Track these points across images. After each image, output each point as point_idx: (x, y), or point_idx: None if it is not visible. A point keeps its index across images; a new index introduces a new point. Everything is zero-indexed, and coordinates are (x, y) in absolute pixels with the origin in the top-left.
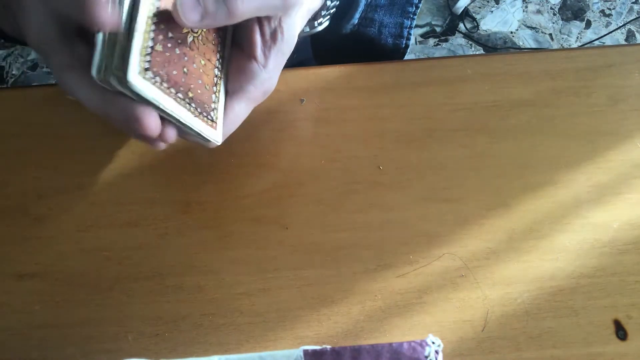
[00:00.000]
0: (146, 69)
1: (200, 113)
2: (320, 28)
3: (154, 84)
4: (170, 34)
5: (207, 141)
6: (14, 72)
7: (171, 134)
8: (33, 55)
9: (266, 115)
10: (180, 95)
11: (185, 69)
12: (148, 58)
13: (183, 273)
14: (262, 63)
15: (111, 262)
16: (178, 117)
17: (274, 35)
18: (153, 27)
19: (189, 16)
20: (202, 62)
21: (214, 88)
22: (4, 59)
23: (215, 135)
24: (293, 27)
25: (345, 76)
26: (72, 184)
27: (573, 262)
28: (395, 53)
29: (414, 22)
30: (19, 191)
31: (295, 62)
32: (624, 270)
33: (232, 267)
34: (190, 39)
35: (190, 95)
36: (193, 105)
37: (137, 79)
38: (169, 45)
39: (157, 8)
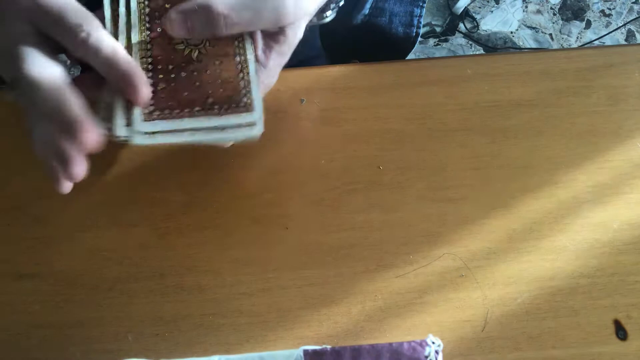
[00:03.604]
0: (151, 112)
1: (228, 108)
2: (327, 19)
3: (162, 118)
4: (170, 66)
5: (249, 128)
6: None
7: None
8: None
9: (266, 115)
10: (197, 107)
11: (197, 83)
12: (152, 101)
13: (183, 273)
14: (262, 63)
15: (111, 262)
16: (203, 126)
17: (276, 37)
18: (150, 72)
19: (177, 32)
20: (217, 62)
21: (240, 75)
22: None
23: (254, 116)
24: (297, 31)
25: (345, 76)
26: (72, 184)
27: (573, 262)
28: (406, 42)
29: (424, 11)
30: (19, 191)
31: (303, 57)
32: (624, 270)
33: (232, 267)
34: (195, 54)
35: (210, 100)
36: (216, 106)
37: (143, 125)
38: (172, 75)
39: (148, 48)
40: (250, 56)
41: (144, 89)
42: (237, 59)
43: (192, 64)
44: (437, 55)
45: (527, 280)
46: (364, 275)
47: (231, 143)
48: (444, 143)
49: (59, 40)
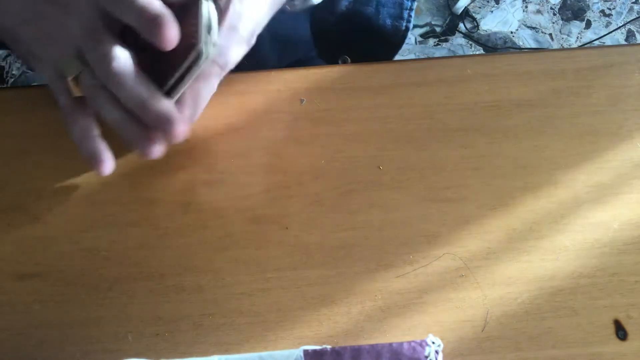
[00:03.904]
0: None
1: (185, 62)
2: (315, 1)
3: None
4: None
5: (203, 58)
6: (14, 72)
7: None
8: None
9: (266, 115)
10: (170, 81)
11: (166, 60)
12: None
13: (183, 273)
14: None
15: (111, 262)
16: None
17: (224, 10)
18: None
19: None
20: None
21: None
22: (4, 59)
23: (198, 50)
24: (244, 2)
25: (345, 76)
26: (72, 184)
27: (573, 262)
28: (395, 36)
29: (415, 4)
30: (19, 191)
31: (303, 56)
32: (624, 270)
33: (232, 267)
34: None
35: (175, 68)
36: (178, 69)
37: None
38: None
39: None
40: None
41: (172, 31)
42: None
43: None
44: (437, 55)
45: (527, 280)
46: (364, 275)
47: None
48: (444, 143)
49: (120, 15)
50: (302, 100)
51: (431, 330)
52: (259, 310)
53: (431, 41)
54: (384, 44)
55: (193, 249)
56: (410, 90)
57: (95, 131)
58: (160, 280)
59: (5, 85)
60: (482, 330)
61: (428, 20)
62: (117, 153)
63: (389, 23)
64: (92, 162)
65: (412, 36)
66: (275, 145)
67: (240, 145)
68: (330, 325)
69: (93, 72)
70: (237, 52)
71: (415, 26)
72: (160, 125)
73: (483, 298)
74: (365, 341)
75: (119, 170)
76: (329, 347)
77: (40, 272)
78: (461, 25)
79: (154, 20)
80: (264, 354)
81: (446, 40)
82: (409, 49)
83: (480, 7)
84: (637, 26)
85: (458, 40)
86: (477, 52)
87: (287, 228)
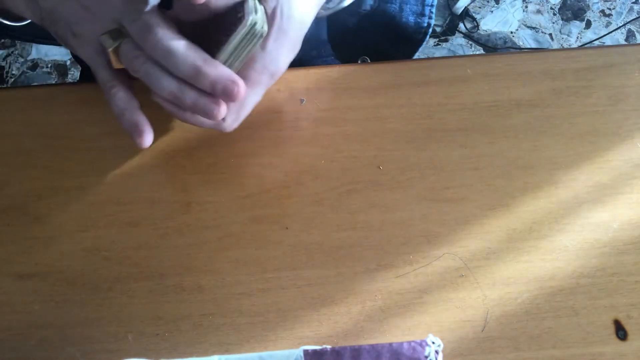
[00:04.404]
0: None
1: (229, 31)
2: (345, 3)
3: None
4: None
5: (254, 32)
6: (14, 72)
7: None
8: (33, 55)
9: (266, 115)
10: (214, 50)
11: (211, 33)
12: None
13: (183, 273)
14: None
15: (111, 262)
16: (225, 59)
17: (272, 15)
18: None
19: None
20: None
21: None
22: (4, 59)
23: (249, 21)
24: (293, 5)
25: (345, 76)
26: (72, 184)
27: (573, 262)
28: (417, 33)
29: (435, 1)
30: (19, 191)
31: (310, 56)
32: (624, 270)
33: (232, 267)
34: None
35: (218, 37)
36: (223, 37)
37: None
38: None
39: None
40: None
41: (241, 90)
42: None
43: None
44: (437, 55)
45: (527, 280)
46: (364, 275)
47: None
48: (444, 143)
49: None
50: (302, 100)
51: (431, 330)
52: (259, 310)
53: (431, 41)
54: (405, 41)
55: (193, 249)
56: (410, 90)
57: (136, 103)
58: (160, 280)
59: (5, 85)
60: (482, 330)
61: None
62: (117, 153)
63: (412, 20)
64: (133, 133)
65: (434, 15)
66: (275, 145)
67: (241, 145)
68: (330, 325)
69: (134, 42)
70: (287, 59)
71: None
72: (220, 88)
73: (483, 298)
74: (365, 341)
75: (119, 170)
76: (329, 347)
77: (40, 272)
78: (461, 25)
79: (227, 86)
80: (264, 354)
81: (446, 40)
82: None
83: (480, 7)
84: (637, 26)
85: (458, 40)
86: (477, 52)
87: (287, 228)
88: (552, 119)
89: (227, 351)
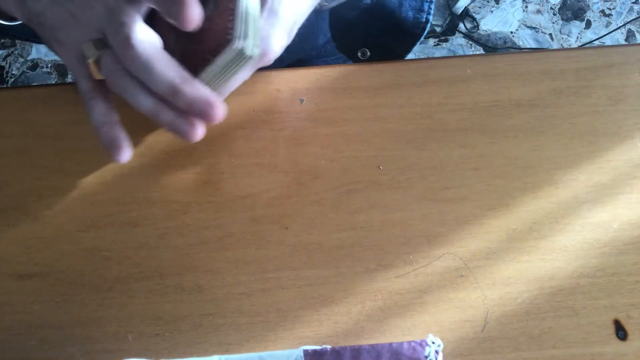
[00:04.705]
0: None
1: (216, 53)
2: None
3: None
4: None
5: (243, 57)
6: (14, 72)
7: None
8: (33, 55)
9: (266, 115)
10: (198, 65)
11: (196, 44)
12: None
13: (183, 273)
14: None
15: (111, 262)
16: (207, 79)
17: None
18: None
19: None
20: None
21: (229, 16)
22: (4, 59)
23: (237, 45)
24: None
25: (345, 76)
26: (72, 184)
27: (573, 262)
28: (416, 28)
29: None
30: (19, 191)
31: (314, 49)
32: (624, 270)
33: (232, 267)
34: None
35: (206, 55)
36: (208, 56)
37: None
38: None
39: None
40: None
41: (218, 111)
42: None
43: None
44: (437, 55)
45: (527, 280)
46: (364, 275)
47: (244, 77)
48: (444, 143)
49: None
50: (302, 100)
51: (431, 330)
52: (259, 310)
53: (431, 41)
54: (404, 36)
55: (193, 249)
56: (410, 90)
57: (115, 117)
58: (160, 280)
59: (5, 85)
60: (482, 330)
61: None
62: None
63: (411, 15)
64: (110, 148)
65: (432, 11)
66: (275, 145)
67: (241, 145)
68: (330, 325)
69: (115, 55)
70: (280, 41)
71: None
72: (197, 110)
73: (483, 298)
74: (365, 341)
75: (119, 170)
76: (329, 347)
77: (40, 272)
78: (461, 25)
79: (203, 108)
80: (264, 354)
81: (446, 40)
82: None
83: (480, 7)
84: (637, 26)
85: (458, 40)
86: (477, 52)
87: (287, 228)
88: (552, 119)
89: (227, 351)
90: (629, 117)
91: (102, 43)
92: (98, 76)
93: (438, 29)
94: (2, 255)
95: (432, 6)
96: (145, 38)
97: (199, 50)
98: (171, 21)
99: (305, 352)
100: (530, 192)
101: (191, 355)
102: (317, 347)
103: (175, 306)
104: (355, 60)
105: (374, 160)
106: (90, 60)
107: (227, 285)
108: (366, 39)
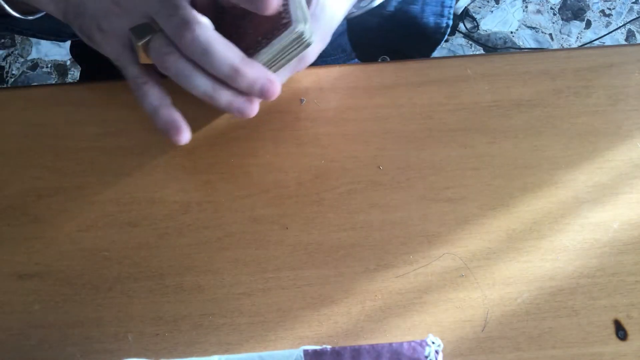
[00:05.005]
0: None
1: (271, 36)
2: (376, 3)
3: None
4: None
5: (300, 40)
6: (14, 72)
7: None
8: (33, 55)
9: (266, 115)
10: (250, 50)
11: (248, 30)
12: None
13: (183, 273)
14: None
15: (111, 262)
16: (263, 61)
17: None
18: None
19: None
20: None
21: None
22: (4, 59)
23: (296, 29)
24: None
25: (345, 76)
26: (72, 184)
27: (573, 262)
28: (436, 34)
29: (454, 2)
30: (19, 191)
31: (333, 59)
32: (624, 270)
33: (232, 267)
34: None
35: (259, 38)
36: (264, 40)
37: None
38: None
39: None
40: None
41: (276, 89)
42: None
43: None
44: (437, 55)
45: (527, 280)
46: (364, 275)
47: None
48: (444, 143)
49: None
50: (302, 100)
51: (431, 330)
52: (259, 310)
53: None
54: (424, 41)
55: (193, 249)
56: (410, 90)
57: (169, 99)
58: (160, 280)
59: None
60: (482, 330)
61: None
62: (117, 153)
63: (432, 21)
64: (170, 131)
65: (452, 16)
66: (275, 145)
67: (241, 145)
68: (330, 325)
69: (166, 38)
70: (317, 46)
71: None
72: (258, 88)
73: (483, 298)
74: (365, 341)
75: (119, 170)
76: (329, 347)
77: (40, 272)
78: (461, 25)
79: (263, 86)
80: (264, 354)
81: (446, 40)
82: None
83: (480, 7)
84: (637, 26)
85: (458, 40)
86: (477, 52)
87: (287, 228)
88: (552, 119)
89: (227, 351)
90: (629, 117)
91: (148, 27)
92: (146, 60)
93: None
94: (2, 255)
95: (452, 11)
96: (200, 20)
97: (251, 34)
98: (245, 5)
99: (305, 352)
100: (530, 192)
101: (191, 355)
102: (317, 347)
103: (175, 306)
104: None
105: (374, 160)
106: (139, 44)
107: (227, 285)
108: (385, 46)
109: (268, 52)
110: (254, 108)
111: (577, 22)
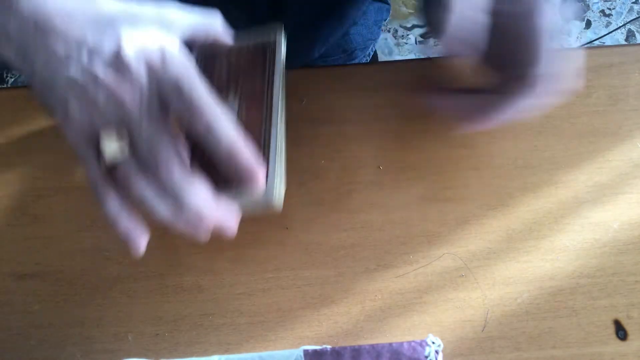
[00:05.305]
0: None
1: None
2: None
3: None
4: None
5: (264, 203)
6: (14, 72)
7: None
8: None
9: None
10: (216, 187)
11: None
12: None
13: (183, 273)
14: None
15: (111, 262)
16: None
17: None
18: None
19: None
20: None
21: (261, 151)
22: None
23: (265, 196)
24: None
25: (345, 76)
26: (72, 184)
27: (573, 262)
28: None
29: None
30: (19, 191)
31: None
32: (624, 270)
33: (232, 267)
34: None
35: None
36: (233, 186)
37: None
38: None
39: None
40: (274, 129)
41: (261, 179)
42: (262, 130)
43: None
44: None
45: (527, 280)
46: (364, 275)
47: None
48: (444, 143)
49: (178, 110)
50: (302, 100)
51: (431, 330)
52: (259, 310)
53: (431, 41)
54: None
55: (193, 249)
56: (410, 90)
57: (129, 204)
58: (160, 280)
59: (5, 85)
60: (482, 330)
61: None
62: None
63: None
64: (129, 242)
65: (412, 36)
66: None
67: None
68: (330, 325)
69: (137, 162)
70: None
71: (415, 26)
72: (215, 226)
73: (483, 298)
74: (365, 341)
75: None
76: (329, 347)
77: (40, 272)
78: None
79: (248, 172)
80: (264, 354)
81: None
82: (409, 49)
83: None
84: (637, 26)
85: None
86: None
87: (287, 228)
88: (552, 119)
89: (227, 351)
90: (629, 117)
91: (121, 135)
92: (109, 163)
93: None
94: (2, 255)
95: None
96: (178, 162)
97: (219, 174)
98: (230, 172)
99: (305, 352)
100: (530, 192)
101: (191, 355)
102: (317, 347)
103: (175, 306)
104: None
105: (374, 160)
106: (109, 156)
107: (227, 285)
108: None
109: (234, 201)
110: (207, 235)
111: (577, 22)
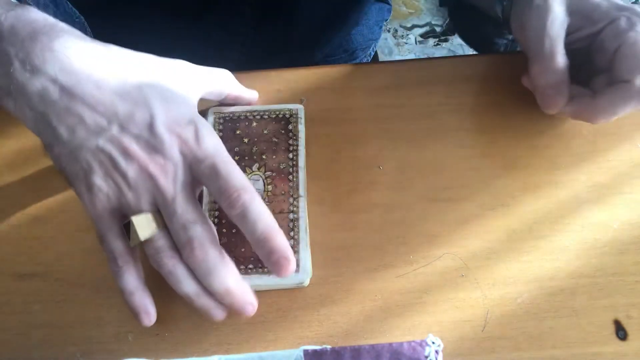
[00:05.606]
0: None
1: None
2: None
3: None
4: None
5: (298, 284)
6: None
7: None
8: None
9: None
10: (250, 265)
11: None
12: None
13: None
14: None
15: None
16: (254, 283)
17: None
18: (215, 226)
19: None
20: None
21: (290, 234)
22: None
23: (300, 277)
24: None
25: (345, 76)
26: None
27: (573, 262)
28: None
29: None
30: (19, 191)
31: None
32: (624, 270)
33: None
34: None
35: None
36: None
37: None
38: (233, 230)
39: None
40: (302, 214)
41: (292, 266)
42: (291, 216)
43: None
44: (437, 55)
45: (527, 280)
46: (364, 275)
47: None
48: (444, 143)
49: (213, 191)
50: (302, 100)
51: (431, 330)
52: (259, 310)
53: (431, 41)
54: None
55: None
56: (410, 90)
57: (143, 282)
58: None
59: None
60: (482, 330)
61: (428, 20)
62: None
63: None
64: (140, 315)
65: (412, 36)
66: None
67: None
68: (330, 325)
69: (169, 239)
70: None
71: (415, 26)
72: (238, 308)
73: (483, 298)
74: (365, 341)
75: None
76: (329, 347)
77: (40, 272)
78: None
79: (280, 260)
80: (264, 354)
81: (446, 40)
82: (409, 49)
83: None
84: None
85: (458, 40)
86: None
87: None
88: (552, 119)
89: (227, 351)
90: (629, 117)
91: (152, 219)
92: (134, 243)
93: (438, 29)
94: (2, 255)
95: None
96: (213, 242)
97: (249, 254)
98: (265, 263)
99: (305, 352)
100: (530, 192)
101: (191, 355)
102: (317, 347)
103: (175, 306)
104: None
105: (374, 160)
106: (142, 234)
107: None
108: None
109: (263, 283)
110: (223, 316)
111: None
